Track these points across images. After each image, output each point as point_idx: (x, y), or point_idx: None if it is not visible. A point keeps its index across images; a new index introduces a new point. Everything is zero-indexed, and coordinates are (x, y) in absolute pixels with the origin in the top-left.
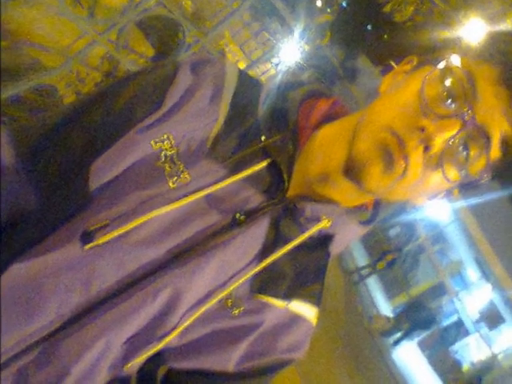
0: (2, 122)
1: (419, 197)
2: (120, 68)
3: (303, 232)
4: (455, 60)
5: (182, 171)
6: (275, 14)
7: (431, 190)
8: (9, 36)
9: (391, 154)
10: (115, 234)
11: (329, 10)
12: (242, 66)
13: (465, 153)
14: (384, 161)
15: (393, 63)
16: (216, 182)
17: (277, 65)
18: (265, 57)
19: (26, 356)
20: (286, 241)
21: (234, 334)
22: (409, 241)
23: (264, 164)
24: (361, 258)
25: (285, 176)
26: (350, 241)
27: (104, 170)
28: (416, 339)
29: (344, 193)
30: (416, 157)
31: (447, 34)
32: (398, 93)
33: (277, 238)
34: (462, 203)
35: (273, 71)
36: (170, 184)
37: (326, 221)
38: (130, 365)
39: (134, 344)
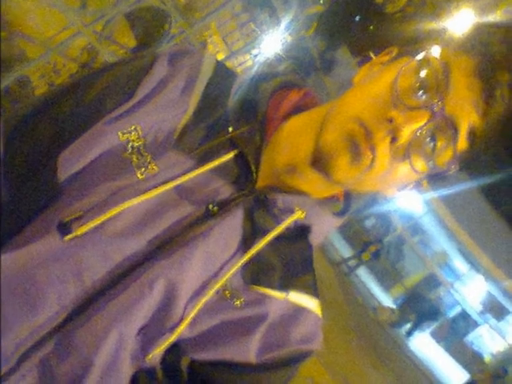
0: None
1: (388, 188)
2: (98, 59)
3: (279, 223)
4: (435, 51)
5: (150, 162)
6: (267, 5)
7: (400, 181)
8: (6, 27)
9: (358, 145)
10: (91, 225)
11: (321, 1)
12: (220, 57)
13: (432, 144)
14: (351, 152)
15: (372, 54)
16: (184, 173)
17: (255, 56)
18: (245, 48)
19: (43, 347)
20: (264, 232)
21: (244, 326)
22: (387, 232)
23: (231, 155)
24: (344, 250)
25: (252, 167)
26: (327, 232)
27: (71, 161)
28: (427, 330)
29: (313, 184)
30: (383, 148)
31: (434, 25)
32: (371, 83)
33: (254, 229)
34: (433, 194)
35: (250, 62)
36: (139, 175)
37: (300, 212)
38: (150, 356)
39: (148, 335)
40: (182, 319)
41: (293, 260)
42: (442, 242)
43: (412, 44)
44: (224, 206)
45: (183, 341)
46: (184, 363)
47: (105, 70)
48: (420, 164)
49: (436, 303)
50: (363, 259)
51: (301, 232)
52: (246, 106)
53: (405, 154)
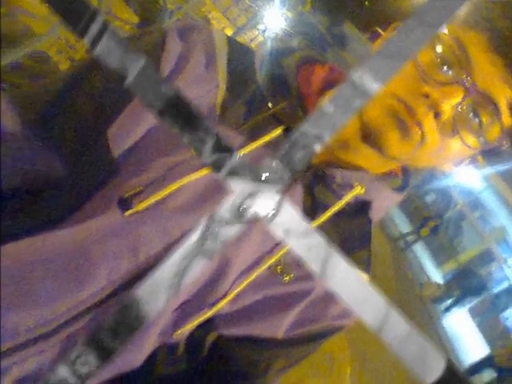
0: (2, 88)
1: (444, 163)
2: None
3: (339, 198)
4: None
5: None
6: None
7: (454, 157)
8: (5, 2)
9: (403, 121)
10: (152, 200)
11: None
12: (228, 32)
13: (477, 120)
14: (398, 128)
15: (379, 30)
16: (237, 149)
17: (263, 31)
18: (250, 24)
19: (76, 323)
20: (325, 207)
21: (286, 301)
22: (447, 207)
23: (279, 131)
24: (403, 225)
25: None
26: (387, 207)
27: (122, 137)
28: (467, 306)
29: (369, 159)
30: (429, 123)
31: None
32: None
33: (315, 204)
34: (490, 170)
35: (261, 38)
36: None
37: (360, 187)
38: (179, 332)
39: (186, 311)
40: (225, 295)
41: (351, 236)
42: (501, 218)
43: None
44: None
45: (219, 316)
46: (209, 339)
47: None
48: (471, 140)
49: (485, 279)
50: (421, 235)
51: (361, 207)
52: (276, 81)
53: (453, 129)
